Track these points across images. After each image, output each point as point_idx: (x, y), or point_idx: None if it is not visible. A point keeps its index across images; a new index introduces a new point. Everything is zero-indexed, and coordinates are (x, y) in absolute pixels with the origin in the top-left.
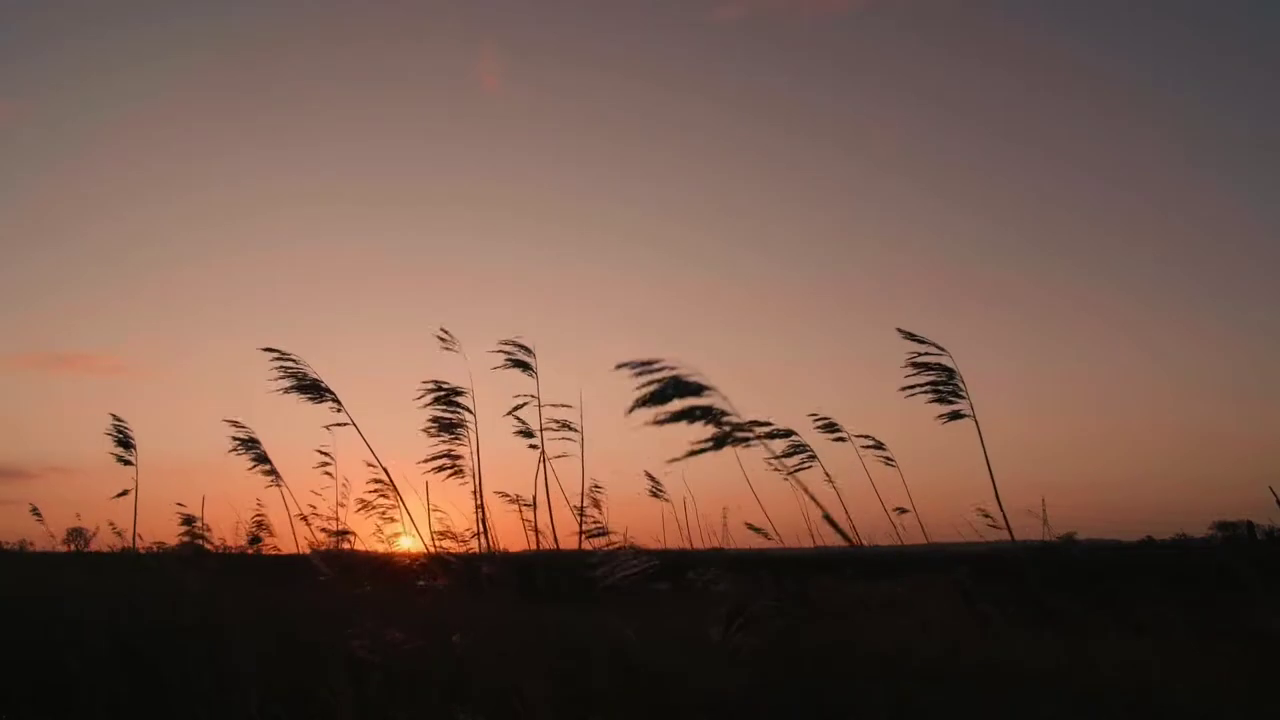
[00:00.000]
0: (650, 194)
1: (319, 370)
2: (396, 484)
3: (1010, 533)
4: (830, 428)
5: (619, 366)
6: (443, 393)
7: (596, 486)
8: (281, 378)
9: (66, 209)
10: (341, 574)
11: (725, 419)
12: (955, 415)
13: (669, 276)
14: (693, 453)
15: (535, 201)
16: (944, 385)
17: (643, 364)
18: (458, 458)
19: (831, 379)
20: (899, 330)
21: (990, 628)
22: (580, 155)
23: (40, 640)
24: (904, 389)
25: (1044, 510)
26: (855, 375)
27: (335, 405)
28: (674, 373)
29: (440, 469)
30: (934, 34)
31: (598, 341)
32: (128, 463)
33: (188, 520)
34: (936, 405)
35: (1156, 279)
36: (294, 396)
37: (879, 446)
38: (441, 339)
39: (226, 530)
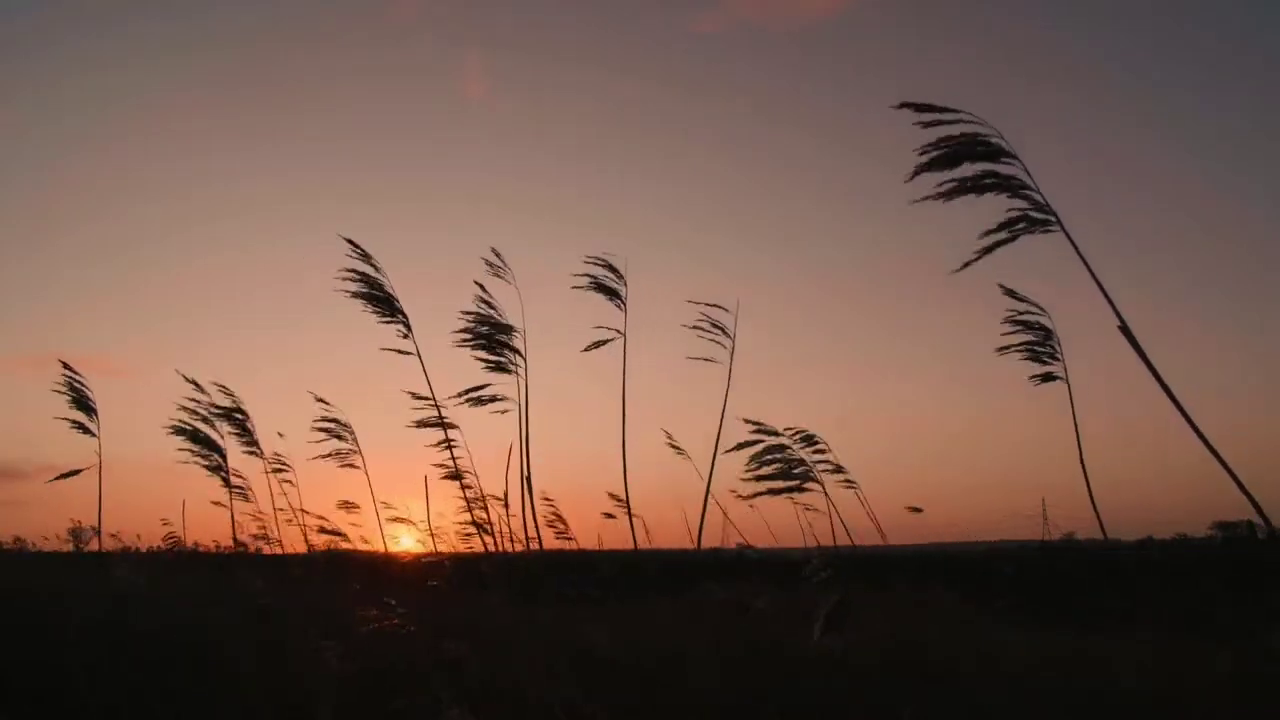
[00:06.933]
0: (647, 192)
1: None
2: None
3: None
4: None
5: (900, 106)
6: (485, 329)
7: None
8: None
9: (66, 210)
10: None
11: (1023, 191)
12: (1048, 377)
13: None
14: (987, 249)
15: (526, 201)
16: (1040, 345)
17: (931, 109)
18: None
19: (829, 377)
20: (1000, 286)
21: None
22: (570, 158)
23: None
24: (1000, 349)
25: (1044, 510)
26: (856, 373)
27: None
28: (970, 128)
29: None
30: (910, 38)
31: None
32: (88, 432)
33: None
34: (1030, 365)
35: (1156, 279)
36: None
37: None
38: (489, 263)
39: (223, 531)
